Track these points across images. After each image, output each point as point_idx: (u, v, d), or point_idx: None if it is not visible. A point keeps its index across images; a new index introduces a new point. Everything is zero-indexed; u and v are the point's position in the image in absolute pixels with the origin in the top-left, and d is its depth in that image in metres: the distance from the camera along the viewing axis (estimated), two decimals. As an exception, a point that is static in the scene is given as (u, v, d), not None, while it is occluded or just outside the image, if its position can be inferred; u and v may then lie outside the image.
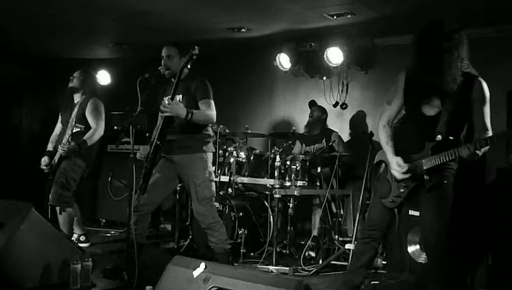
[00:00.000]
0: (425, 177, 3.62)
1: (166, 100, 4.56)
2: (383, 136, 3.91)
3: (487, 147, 3.43)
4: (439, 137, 3.57)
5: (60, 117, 5.87)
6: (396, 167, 3.71)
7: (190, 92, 4.73)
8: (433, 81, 3.58)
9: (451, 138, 3.55)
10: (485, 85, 3.59)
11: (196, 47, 4.48)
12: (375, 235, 3.98)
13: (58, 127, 5.86)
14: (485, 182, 5.71)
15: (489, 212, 5.18)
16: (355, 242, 5.08)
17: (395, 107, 3.91)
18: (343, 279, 4.16)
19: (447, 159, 3.51)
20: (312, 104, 7.27)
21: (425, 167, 3.61)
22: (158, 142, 4.58)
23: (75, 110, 5.58)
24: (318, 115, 6.99)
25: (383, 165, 3.99)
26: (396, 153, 3.78)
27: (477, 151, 3.40)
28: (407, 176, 3.68)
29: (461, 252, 5.03)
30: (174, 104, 4.48)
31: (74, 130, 5.42)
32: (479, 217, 5.28)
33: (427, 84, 3.63)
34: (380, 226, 3.97)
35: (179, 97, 4.77)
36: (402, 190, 3.77)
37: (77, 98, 5.76)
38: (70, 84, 5.72)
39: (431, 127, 3.61)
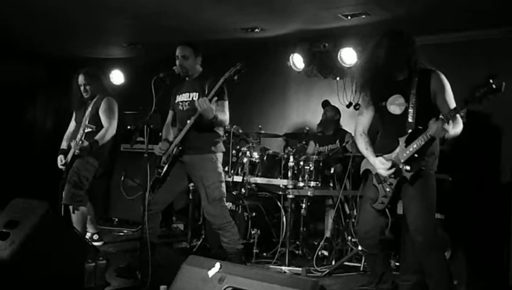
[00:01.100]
0: (405, 168, 3.74)
1: (202, 99, 4.53)
2: (361, 144, 4.11)
3: (453, 131, 3.54)
4: (409, 131, 3.74)
5: (74, 115, 5.87)
6: (380, 165, 3.84)
7: (205, 90, 4.72)
8: (392, 82, 3.87)
9: (420, 127, 3.69)
10: (442, 76, 3.79)
11: (239, 63, 4.55)
12: (373, 242, 4.03)
13: (72, 125, 5.86)
14: (499, 183, 5.67)
15: (503, 213, 5.15)
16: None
17: (367, 116, 4.16)
18: None
19: (421, 143, 3.65)
20: (325, 104, 7.24)
21: (402, 160, 3.75)
22: (181, 146, 4.66)
23: (89, 108, 5.58)
24: (331, 115, 6.97)
25: (369, 173, 4.08)
26: (377, 156, 3.93)
27: (445, 126, 3.45)
28: (392, 171, 3.78)
29: (474, 254, 5.01)
30: (209, 105, 4.47)
31: (87, 130, 5.42)
32: (494, 218, 5.25)
33: (388, 86, 3.89)
34: (375, 233, 4.01)
35: (193, 95, 4.79)
36: (388, 189, 3.87)
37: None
38: (86, 95, 5.68)
39: (401, 124, 3.80)
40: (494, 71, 3.26)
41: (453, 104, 3.70)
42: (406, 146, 3.73)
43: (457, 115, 3.55)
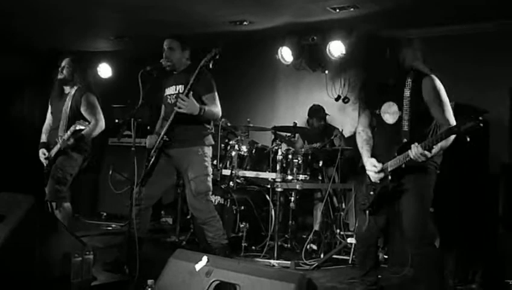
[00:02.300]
0: (388, 178, 3.69)
1: (182, 96, 4.50)
2: (359, 141, 4.03)
3: (440, 145, 3.46)
4: (404, 140, 3.63)
5: (50, 107, 5.74)
6: (371, 167, 3.78)
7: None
8: (382, 89, 3.76)
9: (416, 138, 3.54)
10: (435, 81, 3.64)
11: (213, 49, 4.52)
12: (372, 240, 4.04)
13: (49, 117, 5.74)
14: (488, 177, 5.68)
15: (492, 208, 5.16)
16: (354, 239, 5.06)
17: (366, 116, 4.07)
18: (360, 281, 4.15)
19: (404, 161, 3.57)
20: (312, 114, 7.14)
21: (389, 169, 3.68)
22: (167, 139, 4.61)
23: (68, 103, 5.43)
24: (318, 124, 6.96)
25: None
26: (372, 156, 3.86)
27: (425, 152, 3.42)
28: (381, 175, 3.73)
29: (463, 245, 5.02)
30: (189, 101, 4.46)
31: (78, 127, 5.28)
32: (482, 212, 5.26)
33: (381, 93, 3.79)
34: (373, 231, 3.98)
35: (179, 88, 4.77)
36: (371, 193, 3.83)
37: (68, 89, 5.55)
38: (60, 76, 5.56)
39: (396, 133, 3.70)
40: (485, 108, 3.18)
41: (447, 112, 3.59)
42: (396, 156, 3.63)
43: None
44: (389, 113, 3.78)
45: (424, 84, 3.63)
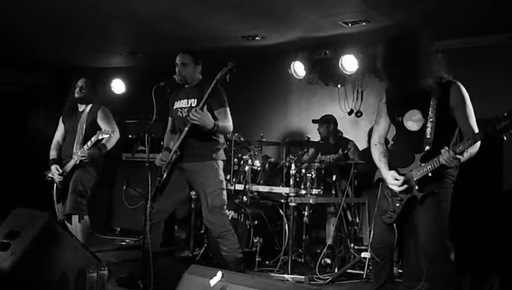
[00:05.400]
0: (415, 188, 3.63)
1: (196, 109, 4.51)
2: (375, 154, 3.97)
3: (469, 151, 3.44)
4: (427, 148, 3.60)
5: (62, 124, 5.82)
6: (393, 180, 3.73)
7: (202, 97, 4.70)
8: (409, 96, 3.67)
9: (437, 146, 3.52)
10: (462, 88, 3.63)
11: (230, 63, 4.54)
12: (386, 252, 3.96)
13: (60, 134, 5.81)
14: (503, 189, 5.64)
15: (508, 219, 5.12)
16: (370, 254, 5.03)
17: (382, 126, 4.00)
18: None
19: (433, 167, 3.52)
20: (314, 122, 7.19)
21: (415, 178, 3.63)
22: (179, 152, 4.63)
23: (85, 119, 5.53)
24: (325, 129, 6.95)
25: (382, 182, 3.97)
26: (391, 169, 3.81)
27: (457, 156, 3.38)
28: (404, 188, 3.68)
29: (478, 259, 4.98)
30: (204, 114, 4.47)
31: (100, 137, 5.35)
32: (497, 224, 5.22)
33: (405, 100, 3.72)
34: (387, 243, 3.93)
35: (191, 101, 4.78)
36: (397, 205, 3.77)
37: (82, 107, 5.69)
38: (78, 95, 5.65)
39: (418, 140, 3.66)
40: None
41: (472, 119, 3.57)
42: (421, 164, 3.60)
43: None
44: (413, 121, 3.73)
45: (452, 91, 3.60)
